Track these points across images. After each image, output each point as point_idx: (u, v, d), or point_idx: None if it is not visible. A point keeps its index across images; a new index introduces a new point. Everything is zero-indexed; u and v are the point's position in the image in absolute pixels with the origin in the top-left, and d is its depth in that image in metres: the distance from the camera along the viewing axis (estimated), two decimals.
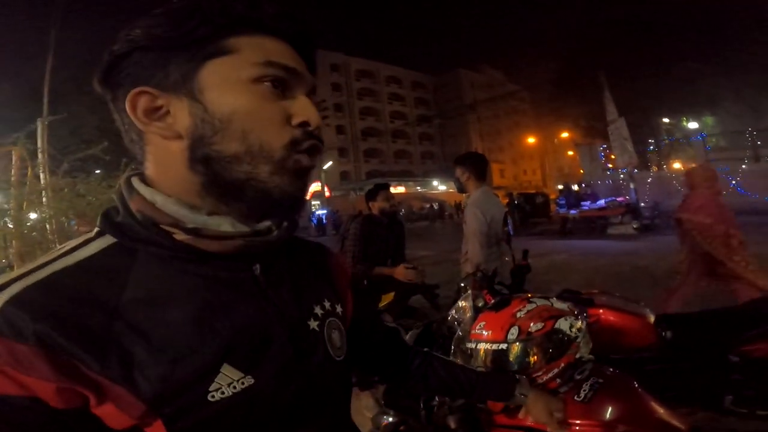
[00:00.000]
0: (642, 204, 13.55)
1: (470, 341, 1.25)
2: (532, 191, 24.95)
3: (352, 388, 0.73)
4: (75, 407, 0.43)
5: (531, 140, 50.38)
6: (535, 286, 5.51)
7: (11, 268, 4.34)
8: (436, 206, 32.11)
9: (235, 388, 0.48)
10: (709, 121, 25.24)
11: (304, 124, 0.53)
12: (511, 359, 1.16)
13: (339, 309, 0.66)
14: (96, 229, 0.52)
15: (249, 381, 0.49)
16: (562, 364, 1.15)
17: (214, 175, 0.50)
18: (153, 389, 0.45)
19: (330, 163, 35.28)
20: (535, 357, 1.15)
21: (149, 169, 0.53)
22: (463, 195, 3.07)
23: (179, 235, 0.49)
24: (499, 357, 1.17)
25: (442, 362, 0.91)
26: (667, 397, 1.68)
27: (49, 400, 0.42)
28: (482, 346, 1.21)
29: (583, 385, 1.09)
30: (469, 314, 1.47)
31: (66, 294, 0.44)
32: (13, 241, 4.50)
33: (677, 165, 24.02)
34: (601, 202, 14.52)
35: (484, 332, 1.22)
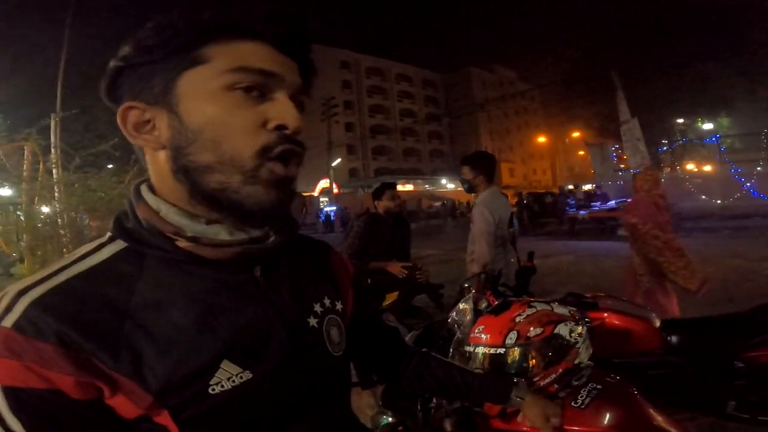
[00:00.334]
0: None
1: (469, 344, 1.24)
2: (542, 191, 24.79)
3: (353, 385, 0.73)
4: (91, 398, 0.48)
5: (541, 140, 49.93)
6: (541, 287, 5.50)
7: (22, 261, 4.42)
8: (447, 204, 31.94)
9: (234, 382, 0.52)
10: (724, 122, 24.81)
11: (280, 128, 0.52)
12: (508, 364, 1.15)
13: (339, 306, 0.69)
14: (109, 234, 0.56)
15: (247, 376, 0.53)
16: (561, 370, 1.14)
17: (194, 184, 0.52)
18: (158, 383, 0.49)
19: (339, 160, 35.38)
20: (533, 362, 1.13)
21: (152, 177, 0.56)
22: (471, 195, 3.05)
23: (181, 242, 0.52)
24: (497, 361, 1.16)
25: (440, 363, 0.90)
26: (669, 401, 1.66)
27: (69, 392, 0.46)
28: (480, 349, 1.20)
29: (581, 391, 1.08)
30: (468, 317, 1.45)
31: (82, 298, 0.48)
32: (24, 235, 4.58)
33: (691, 166, 23.68)
34: (612, 203, 14.35)
35: (482, 336, 1.21)
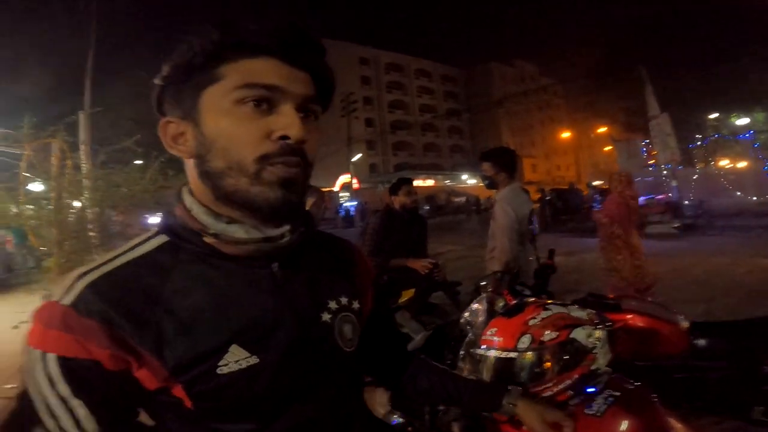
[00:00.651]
0: (686, 202, 12.89)
1: (480, 347, 1.19)
2: (565, 187, 24.27)
3: (367, 384, 0.81)
4: (122, 370, 0.56)
5: (565, 135, 48.78)
6: (563, 285, 5.38)
7: (50, 255, 4.57)
8: (466, 200, 31.52)
9: (240, 364, 0.58)
10: (760, 117, 23.64)
11: (284, 137, 0.57)
12: (520, 369, 1.10)
13: (356, 305, 0.72)
14: (155, 229, 0.64)
15: (254, 360, 0.59)
16: (575, 376, 1.08)
17: (215, 187, 0.59)
18: (174, 361, 0.56)
19: (359, 155, 35.47)
20: (546, 367, 1.08)
21: (190, 182, 0.63)
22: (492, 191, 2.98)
23: (207, 238, 0.60)
24: (507, 365, 1.11)
25: (434, 369, 0.89)
26: (695, 406, 1.59)
27: (105, 363, 0.54)
28: (491, 352, 1.15)
29: (597, 398, 1.01)
30: (481, 318, 1.40)
31: (125, 284, 0.57)
32: (53, 230, 4.73)
33: (724, 162, 22.74)
34: (641, 200, 13.92)
35: (494, 338, 1.15)
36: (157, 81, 0.60)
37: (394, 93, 55.59)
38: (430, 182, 40.23)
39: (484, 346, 1.18)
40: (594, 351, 1.11)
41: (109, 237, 5.35)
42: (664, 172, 14.71)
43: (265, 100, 0.57)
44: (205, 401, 0.58)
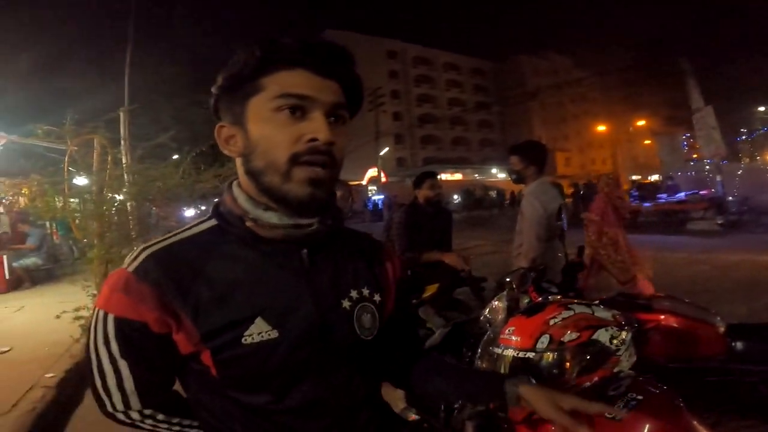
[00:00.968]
0: (730, 198, 12.21)
1: (498, 345, 1.16)
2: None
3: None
4: (164, 333, 0.64)
5: (601, 128, 46.92)
6: (595, 284, 5.20)
7: (91, 246, 4.80)
8: (495, 194, 30.89)
9: (262, 337, 0.65)
10: None
11: (312, 140, 0.64)
12: (537, 369, 1.07)
13: (377, 297, 0.77)
14: (209, 214, 0.74)
15: (274, 334, 0.65)
16: (596, 378, 1.04)
17: (256, 182, 0.68)
18: (207, 327, 0.64)
19: (386, 149, 35.40)
20: (565, 369, 1.04)
21: (239, 176, 0.72)
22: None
23: (248, 222, 0.68)
24: (524, 366, 1.08)
25: (441, 368, 0.87)
26: (727, 409, 1.52)
27: (152, 325, 0.63)
28: (509, 352, 1.12)
29: (618, 402, 0.97)
30: (501, 316, 1.37)
31: (179, 256, 0.67)
32: (94, 222, 4.97)
33: None
34: (681, 195, 13.29)
35: (513, 337, 1.12)
36: (213, 90, 0.70)
37: (422, 87, 55.07)
38: (458, 176, 39.72)
39: (502, 345, 1.16)
40: (618, 353, 1.07)
41: (147, 229, 5.59)
42: (708, 167, 13.98)
43: (299, 108, 0.65)
44: (228, 369, 0.65)
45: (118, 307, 0.63)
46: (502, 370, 1.13)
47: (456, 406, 1.17)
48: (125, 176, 5.90)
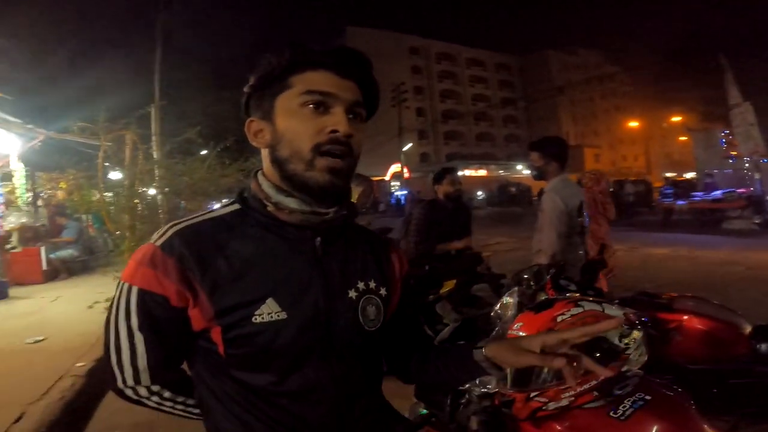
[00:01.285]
0: None
1: None
2: (633, 178, 22.74)
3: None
4: (182, 307, 0.68)
5: (633, 124, 45.33)
6: (623, 282, 5.08)
7: (123, 238, 5.01)
8: (523, 189, 30.32)
9: (271, 317, 0.68)
10: None
11: (333, 132, 0.70)
12: (543, 366, 1.04)
13: (383, 291, 0.80)
14: (233, 199, 0.79)
15: (283, 315, 0.69)
16: (602, 377, 1.01)
17: (282, 170, 0.72)
18: (221, 303, 0.67)
19: (409, 145, 35.28)
20: (570, 366, 1.01)
21: (264, 166, 0.77)
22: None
23: (269, 206, 0.73)
24: None
25: (438, 354, 0.86)
26: (747, 412, 1.46)
27: (172, 298, 0.67)
28: None
29: (624, 401, 0.95)
30: (511, 312, 1.35)
31: (202, 234, 0.71)
32: (125, 215, 5.17)
33: None
34: (717, 193, 12.74)
35: (520, 333, 1.11)
36: (245, 89, 0.76)
37: (445, 82, 54.57)
38: (482, 172, 39.21)
39: None
40: (627, 352, 1.04)
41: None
42: (746, 164, 13.34)
43: (322, 104, 0.70)
44: (235, 347, 0.68)
45: (144, 279, 0.67)
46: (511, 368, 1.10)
47: (462, 401, 1.17)
48: (156, 171, 6.12)
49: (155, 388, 0.72)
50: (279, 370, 0.70)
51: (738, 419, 1.48)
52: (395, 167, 35.52)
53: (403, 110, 32.51)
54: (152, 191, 6.09)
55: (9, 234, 6.90)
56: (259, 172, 0.77)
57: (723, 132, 17.88)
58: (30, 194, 7.63)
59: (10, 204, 7.17)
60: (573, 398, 1.01)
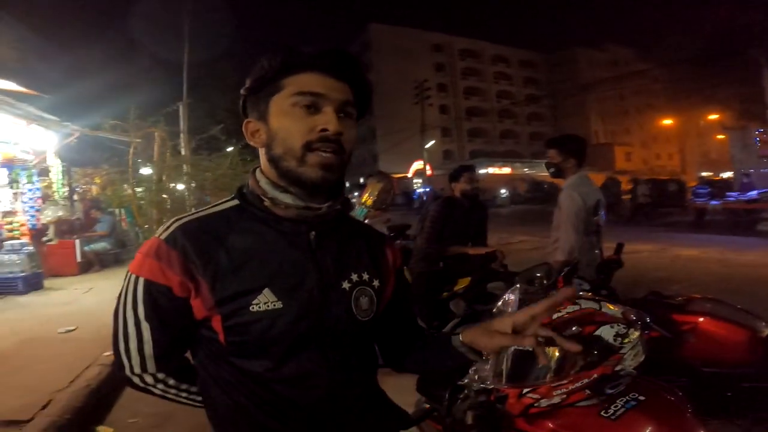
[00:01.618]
0: None
1: None
2: (665, 177, 21.96)
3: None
4: (184, 296, 0.72)
5: (667, 122, 43.57)
6: (647, 283, 4.93)
7: (152, 232, 5.21)
8: (547, 188, 29.73)
9: (267, 306, 0.72)
10: None
11: (323, 130, 0.73)
12: (534, 361, 1.04)
13: (376, 283, 0.84)
14: (232, 195, 0.83)
15: (278, 305, 0.72)
16: (595, 375, 1.01)
17: (277, 167, 0.76)
18: (221, 293, 0.71)
19: (432, 142, 35.03)
20: (564, 363, 1.01)
21: (261, 164, 0.81)
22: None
23: (266, 202, 0.77)
24: (521, 357, 1.06)
25: (426, 344, 0.90)
26: (761, 417, 1.41)
27: (175, 288, 0.71)
28: None
29: (617, 401, 0.94)
30: (512, 309, 1.35)
31: (204, 228, 0.75)
32: (153, 209, 5.37)
33: None
34: (753, 194, 12.16)
35: None
36: (242, 92, 0.80)
37: (469, 79, 53.81)
38: (506, 170, 38.59)
39: None
40: (621, 351, 1.03)
41: None
42: None
43: (313, 105, 0.74)
44: (234, 335, 0.72)
45: (150, 271, 0.71)
46: (505, 363, 1.11)
47: (460, 396, 1.18)
48: (184, 167, 6.31)
49: (161, 375, 0.77)
50: (275, 356, 0.73)
51: (751, 423, 1.44)
52: (418, 164, 35.39)
53: (426, 107, 32.30)
54: (180, 186, 6.29)
55: (46, 227, 7.25)
56: (257, 170, 0.81)
57: (757, 131, 17.03)
58: (66, 189, 7.97)
59: (47, 198, 7.51)
60: (565, 396, 1.01)
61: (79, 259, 7.12)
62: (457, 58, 53.17)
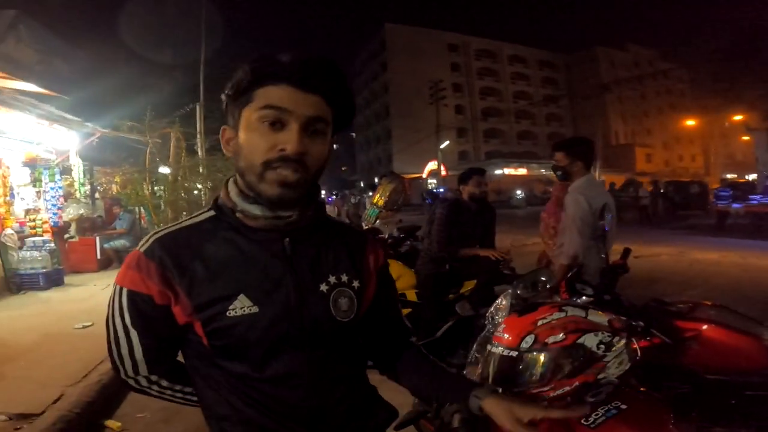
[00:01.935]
0: None
1: (492, 343, 1.16)
2: (688, 179, 21.47)
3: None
4: (165, 304, 0.75)
5: (690, 123, 42.46)
6: (661, 288, 4.81)
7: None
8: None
9: (244, 311, 0.74)
10: None
11: (282, 150, 0.73)
12: (519, 368, 1.05)
13: (356, 284, 0.85)
14: (208, 206, 0.85)
15: (255, 309, 0.75)
16: (576, 383, 1.00)
17: (243, 179, 0.77)
18: (198, 300, 0.74)
19: (447, 142, 34.85)
20: (546, 370, 1.01)
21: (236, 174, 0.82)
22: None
23: (238, 213, 0.78)
24: (507, 364, 1.06)
25: (420, 365, 0.92)
26: (762, 426, 1.38)
27: (156, 297, 0.74)
28: (498, 350, 1.11)
29: (598, 410, 0.93)
30: (503, 314, 1.34)
31: (179, 240, 0.77)
32: (168, 208, 5.50)
33: None
34: None
35: (504, 335, 1.11)
36: (222, 97, 0.80)
37: (485, 80, 53.40)
38: (522, 171, 38.16)
39: (495, 343, 1.15)
40: (605, 359, 1.02)
41: None
42: None
43: (278, 121, 0.73)
44: (216, 339, 0.75)
45: (131, 281, 0.74)
46: (491, 368, 1.12)
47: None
48: (200, 167, 6.44)
49: (154, 377, 0.81)
50: (256, 358, 0.76)
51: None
52: (432, 165, 35.26)
53: (442, 108, 32.16)
54: (198, 186, 6.40)
55: (68, 224, 7.47)
56: (231, 180, 0.82)
57: None
58: (88, 187, 8.19)
59: (69, 196, 7.74)
60: (546, 403, 1.00)
61: (99, 256, 7.30)
62: (473, 58, 52.83)
